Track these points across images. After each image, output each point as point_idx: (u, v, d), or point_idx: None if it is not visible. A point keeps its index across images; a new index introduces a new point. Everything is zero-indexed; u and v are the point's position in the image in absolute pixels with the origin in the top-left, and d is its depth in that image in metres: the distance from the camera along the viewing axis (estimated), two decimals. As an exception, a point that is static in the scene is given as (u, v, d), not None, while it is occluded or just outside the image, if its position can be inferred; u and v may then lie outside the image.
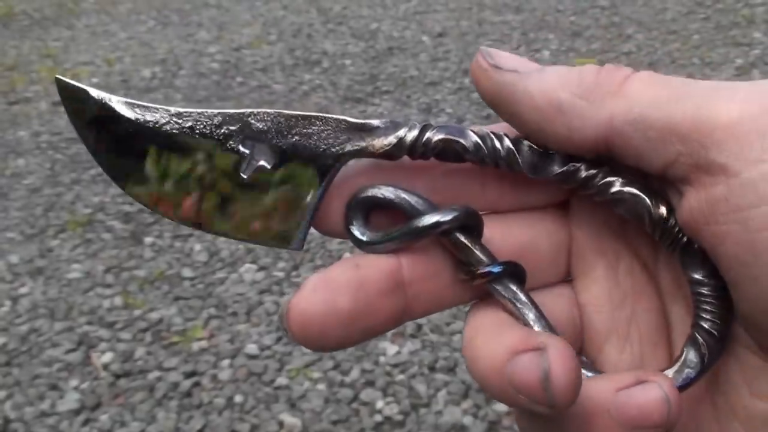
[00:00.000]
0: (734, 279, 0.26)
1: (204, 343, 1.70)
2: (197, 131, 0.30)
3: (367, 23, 3.94)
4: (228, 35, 3.87)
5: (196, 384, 1.59)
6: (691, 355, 0.29)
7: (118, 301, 1.86)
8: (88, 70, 3.48)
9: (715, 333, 0.28)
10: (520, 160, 0.30)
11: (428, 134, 0.30)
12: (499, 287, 0.29)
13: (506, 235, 0.31)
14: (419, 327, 1.71)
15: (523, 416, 0.30)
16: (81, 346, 1.72)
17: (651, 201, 0.29)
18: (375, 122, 0.30)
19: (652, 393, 0.26)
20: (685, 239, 0.28)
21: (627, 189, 0.29)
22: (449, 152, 0.30)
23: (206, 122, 0.30)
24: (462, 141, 0.30)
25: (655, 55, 3.19)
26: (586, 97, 0.27)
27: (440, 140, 0.30)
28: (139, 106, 0.31)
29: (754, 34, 3.32)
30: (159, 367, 1.64)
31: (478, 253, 0.29)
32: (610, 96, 0.27)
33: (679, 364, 0.29)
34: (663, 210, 0.28)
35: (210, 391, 1.57)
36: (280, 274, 1.92)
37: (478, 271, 0.29)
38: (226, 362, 1.64)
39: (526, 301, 0.29)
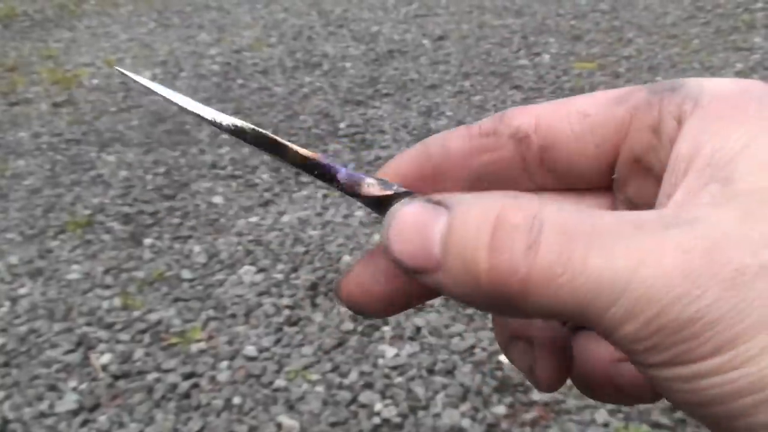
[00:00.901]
0: None
1: (203, 345, 1.70)
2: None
3: (367, 26, 3.94)
4: (229, 37, 3.87)
5: (195, 385, 1.59)
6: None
7: (117, 302, 1.86)
8: (88, 71, 3.48)
9: None
10: None
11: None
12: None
13: None
14: (418, 330, 1.71)
15: None
16: (80, 347, 1.72)
17: None
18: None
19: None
20: None
21: None
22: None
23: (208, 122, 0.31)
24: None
25: (656, 59, 3.19)
26: (493, 307, 0.22)
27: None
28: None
29: (754, 39, 3.32)
30: (157, 368, 1.64)
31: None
32: (514, 307, 0.21)
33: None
34: None
35: (208, 392, 1.57)
36: (279, 276, 1.92)
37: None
38: (224, 364, 1.64)
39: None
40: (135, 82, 0.31)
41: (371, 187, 0.27)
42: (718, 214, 0.19)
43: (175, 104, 0.29)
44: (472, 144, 0.27)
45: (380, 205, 0.27)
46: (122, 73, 0.31)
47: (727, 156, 0.20)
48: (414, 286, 0.26)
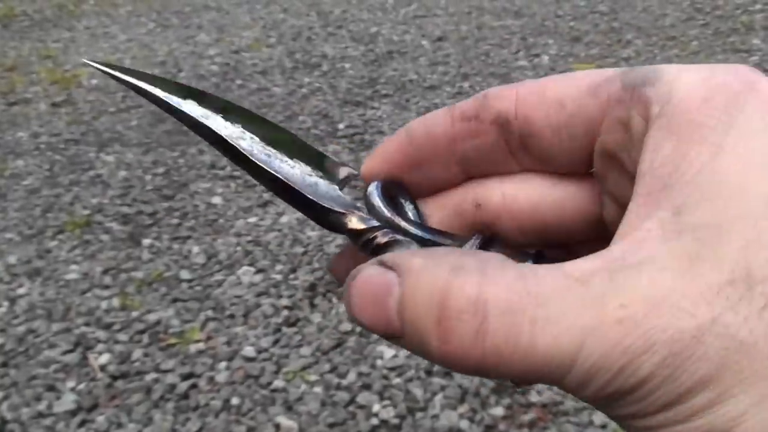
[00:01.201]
0: None
1: (201, 345, 1.70)
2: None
3: (366, 27, 3.95)
4: (228, 38, 3.87)
5: (193, 386, 1.59)
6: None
7: (115, 302, 1.86)
8: (87, 71, 3.48)
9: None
10: None
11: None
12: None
13: (539, 194, 0.28)
14: (416, 330, 1.71)
15: None
16: (78, 347, 1.72)
17: None
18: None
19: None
20: None
21: None
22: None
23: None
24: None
25: (654, 60, 3.19)
26: (466, 369, 0.22)
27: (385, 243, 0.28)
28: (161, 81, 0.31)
29: (752, 41, 3.33)
30: (156, 368, 1.64)
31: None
32: (471, 373, 0.22)
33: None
34: None
35: (207, 393, 1.57)
36: (278, 277, 1.92)
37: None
38: (223, 364, 1.64)
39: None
40: (108, 74, 0.31)
41: (351, 222, 0.28)
42: (663, 257, 0.19)
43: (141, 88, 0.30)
44: (455, 129, 0.27)
45: (357, 237, 0.28)
46: (90, 65, 0.31)
47: (683, 178, 0.20)
48: None
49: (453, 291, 0.21)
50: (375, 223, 0.28)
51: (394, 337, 0.23)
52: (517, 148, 0.27)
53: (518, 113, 0.26)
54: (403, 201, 0.29)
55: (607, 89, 0.24)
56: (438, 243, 0.27)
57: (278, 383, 1.59)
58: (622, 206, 0.23)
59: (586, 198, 0.27)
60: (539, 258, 0.26)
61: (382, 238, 0.27)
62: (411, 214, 0.29)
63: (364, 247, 0.28)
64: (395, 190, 0.29)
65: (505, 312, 0.20)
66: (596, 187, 0.27)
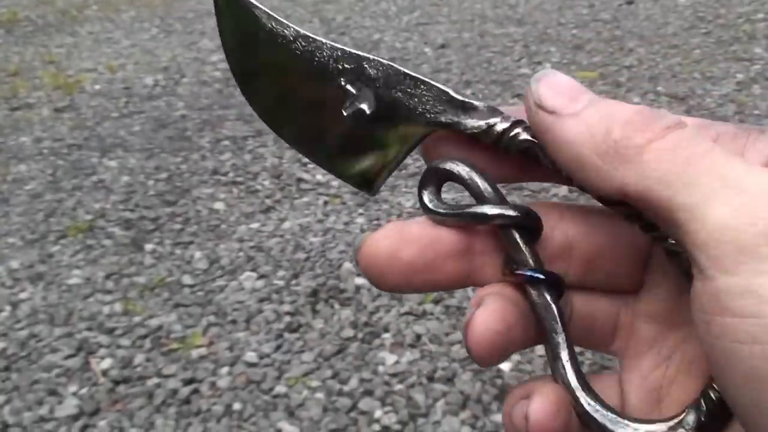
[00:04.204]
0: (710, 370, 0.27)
1: (203, 351, 1.70)
2: (316, 59, 0.32)
3: (369, 34, 3.96)
4: (231, 44, 3.88)
5: (195, 391, 1.59)
6: (690, 418, 0.29)
7: (117, 307, 1.86)
8: (90, 76, 3.49)
9: (719, 404, 0.28)
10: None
11: (517, 130, 0.30)
12: (533, 293, 0.30)
13: (591, 233, 0.31)
14: (418, 337, 1.71)
15: None
16: (80, 352, 1.72)
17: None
18: (474, 103, 0.31)
19: None
20: None
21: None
22: (531, 153, 0.30)
23: (327, 53, 0.32)
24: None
25: (657, 69, 3.20)
26: (604, 157, 0.27)
27: (525, 140, 0.30)
28: (275, 18, 0.33)
29: (755, 50, 3.33)
30: (158, 373, 1.64)
31: (525, 254, 0.30)
32: (625, 162, 0.26)
33: (674, 422, 0.29)
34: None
35: (209, 398, 1.57)
36: (280, 283, 1.92)
37: (516, 271, 0.30)
38: (225, 370, 1.64)
39: (555, 313, 0.30)
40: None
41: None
42: None
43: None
44: None
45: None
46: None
47: None
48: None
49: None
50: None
51: (558, 113, 0.28)
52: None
53: None
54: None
55: None
56: None
57: (280, 389, 1.59)
58: None
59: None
60: (554, 279, 0.30)
61: (525, 133, 0.30)
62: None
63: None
64: None
65: (696, 133, 0.26)
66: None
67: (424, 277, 0.30)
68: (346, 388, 1.58)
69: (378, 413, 1.52)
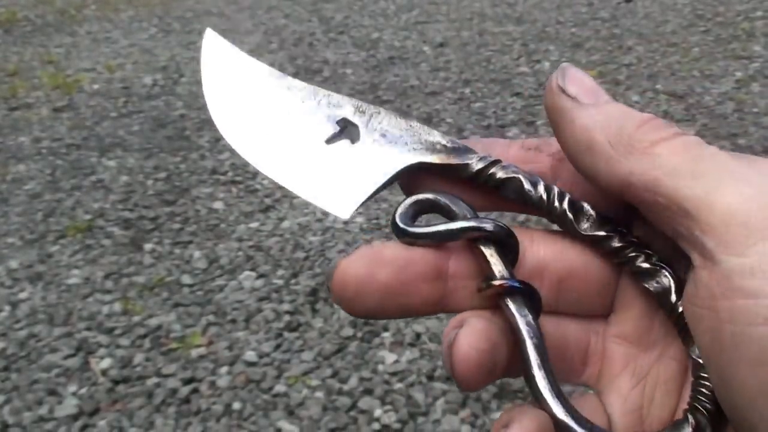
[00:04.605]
0: (706, 363, 0.27)
1: (203, 350, 1.70)
2: (302, 100, 0.35)
3: (368, 32, 3.95)
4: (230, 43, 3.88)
5: (195, 390, 1.59)
6: (687, 426, 0.29)
7: (117, 307, 1.86)
8: (89, 76, 3.49)
9: (713, 410, 0.28)
10: (572, 222, 0.32)
11: (493, 169, 0.32)
12: (511, 305, 0.30)
13: (561, 255, 0.32)
14: (418, 336, 1.71)
15: None
16: (80, 352, 1.72)
17: (665, 276, 0.30)
18: (450, 145, 0.33)
19: None
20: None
21: (644, 265, 0.31)
22: (509, 189, 0.32)
23: (315, 96, 0.35)
24: (526, 186, 0.32)
25: (655, 67, 3.20)
26: (616, 146, 0.28)
27: (505, 178, 0.32)
28: (268, 68, 0.37)
29: (753, 48, 3.33)
30: (157, 373, 1.64)
31: (500, 267, 0.30)
32: (637, 153, 0.28)
33: (671, 428, 0.29)
34: (671, 285, 0.30)
35: (208, 397, 1.57)
36: (280, 282, 1.92)
37: (493, 282, 0.30)
38: (224, 369, 1.64)
39: (532, 324, 0.30)
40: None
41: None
42: None
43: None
44: (522, 153, 0.34)
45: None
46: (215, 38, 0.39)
47: None
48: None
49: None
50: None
51: (578, 100, 0.30)
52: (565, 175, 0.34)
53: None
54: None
55: None
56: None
57: (280, 388, 1.59)
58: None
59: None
60: (531, 291, 0.31)
61: (503, 172, 0.32)
62: None
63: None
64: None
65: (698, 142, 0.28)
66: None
67: (399, 300, 0.30)
68: (345, 387, 1.58)
69: (378, 412, 1.52)
